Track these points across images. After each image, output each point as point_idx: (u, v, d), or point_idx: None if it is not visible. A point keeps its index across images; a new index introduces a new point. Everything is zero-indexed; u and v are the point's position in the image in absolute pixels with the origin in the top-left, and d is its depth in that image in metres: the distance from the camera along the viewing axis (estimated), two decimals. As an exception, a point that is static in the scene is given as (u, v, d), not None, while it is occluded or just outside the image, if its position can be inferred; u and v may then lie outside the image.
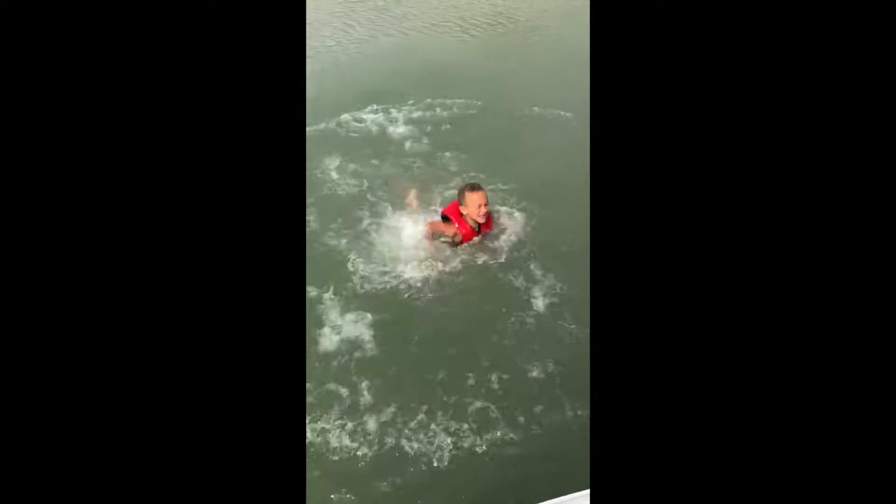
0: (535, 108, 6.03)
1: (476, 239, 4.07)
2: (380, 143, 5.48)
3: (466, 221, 4.00)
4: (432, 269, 3.87)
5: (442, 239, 4.06)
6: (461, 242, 4.04)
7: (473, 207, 3.90)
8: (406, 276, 3.84)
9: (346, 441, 2.89)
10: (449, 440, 2.87)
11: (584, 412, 2.98)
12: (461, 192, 3.98)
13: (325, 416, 3.00)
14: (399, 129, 5.68)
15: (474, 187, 3.94)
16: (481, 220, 3.99)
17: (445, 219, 4.06)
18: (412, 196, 4.57)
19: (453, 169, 5.02)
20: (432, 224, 4.11)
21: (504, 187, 4.64)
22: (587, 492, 1.57)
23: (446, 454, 2.82)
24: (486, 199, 3.93)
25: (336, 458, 2.83)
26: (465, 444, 2.86)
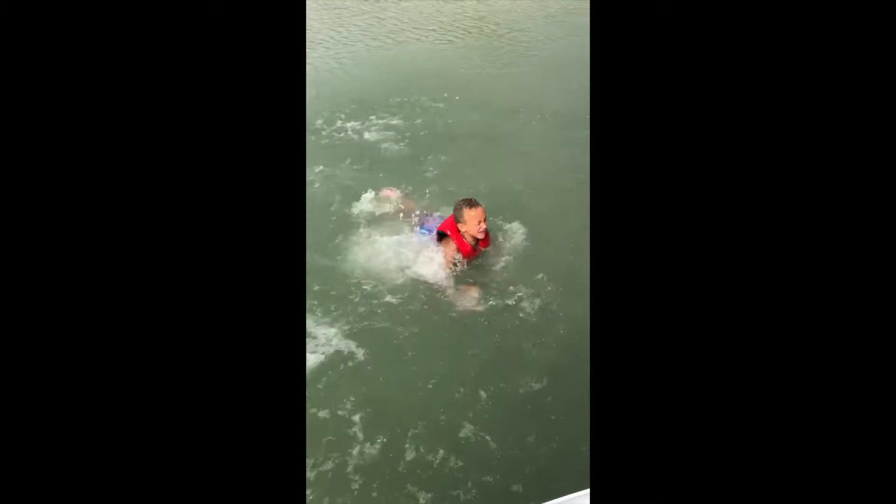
0: (522, 111, 6.05)
1: (473, 256, 3.92)
2: (363, 150, 5.43)
3: (465, 238, 3.84)
4: (427, 284, 3.78)
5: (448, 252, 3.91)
6: (462, 260, 3.88)
7: (473, 224, 3.74)
8: (399, 289, 3.74)
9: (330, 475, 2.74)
10: (441, 452, 2.81)
11: (581, 417, 2.93)
12: (458, 209, 3.78)
13: (309, 448, 2.78)
14: (383, 134, 5.64)
15: (472, 203, 3.75)
16: (480, 237, 3.83)
17: (442, 235, 3.90)
18: (390, 196, 4.44)
19: (434, 174, 4.97)
20: (446, 251, 3.89)
21: (486, 191, 4.58)
22: (587, 492, 1.57)
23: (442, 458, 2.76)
24: (485, 214, 3.78)
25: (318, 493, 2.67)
26: (459, 459, 2.78)
